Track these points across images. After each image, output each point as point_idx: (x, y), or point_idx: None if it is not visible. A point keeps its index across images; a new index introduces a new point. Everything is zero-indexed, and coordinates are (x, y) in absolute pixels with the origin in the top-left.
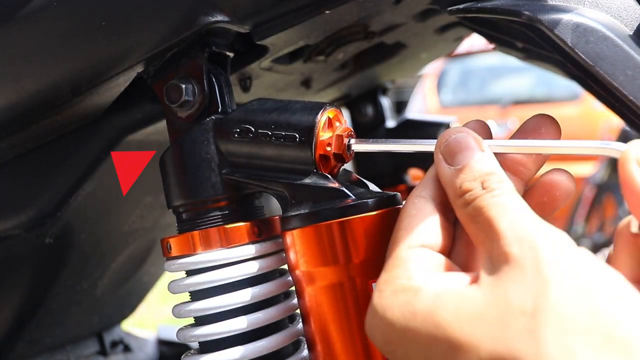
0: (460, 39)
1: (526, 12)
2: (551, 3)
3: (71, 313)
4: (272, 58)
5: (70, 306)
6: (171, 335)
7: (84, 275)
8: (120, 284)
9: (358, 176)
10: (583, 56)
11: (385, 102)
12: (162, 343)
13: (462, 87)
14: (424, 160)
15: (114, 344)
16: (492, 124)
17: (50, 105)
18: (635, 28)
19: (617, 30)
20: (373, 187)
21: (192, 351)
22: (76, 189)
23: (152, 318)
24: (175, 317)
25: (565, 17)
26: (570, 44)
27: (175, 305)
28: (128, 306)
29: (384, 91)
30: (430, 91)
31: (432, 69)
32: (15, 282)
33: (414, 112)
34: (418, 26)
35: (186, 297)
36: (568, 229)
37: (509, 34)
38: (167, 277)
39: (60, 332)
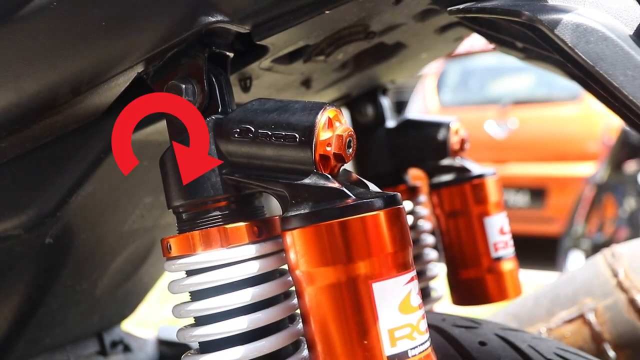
0: (460, 39)
1: (526, 12)
2: (551, 3)
3: (71, 313)
4: (272, 58)
5: (70, 306)
6: (171, 335)
7: (84, 275)
8: (120, 284)
9: (358, 176)
10: (583, 56)
11: (386, 102)
12: (162, 343)
13: (462, 87)
14: (424, 160)
15: (114, 344)
16: (492, 124)
17: (50, 106)
18: (635, 28)
19: (617, 31)
20: (373, 187)
21: (192, 351)
22: (76, 189)
23: (152, 318)
24: (175, 317)
25: (565, 17)
26: (570, 44)
27: (175, 306)
28: (128, 306)
29: (384, 91)
30: (430, 91)
31: (432, 69)
32: (16, 282)
33: (414, 112)
34: (418, 26)
35: (186, 297)
36: (568, 229)
37: (509, 34)
38: (167, 277)
39: (60, 332)
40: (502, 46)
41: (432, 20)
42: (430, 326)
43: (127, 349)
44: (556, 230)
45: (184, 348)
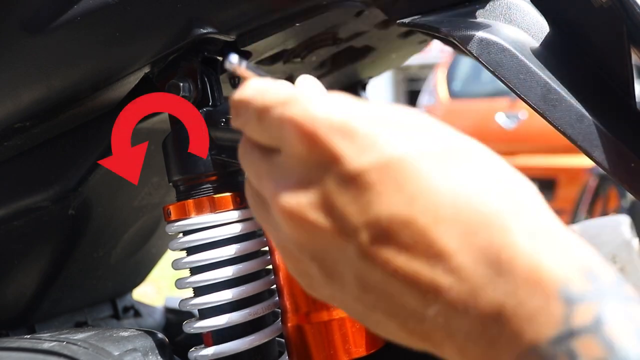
0: (425, 42)
1: (444, 29)
2: (469, 20)
3: (89, 277)
4: (255, 60)
5: (88, 271)
6: (176, 305)
7: (100, 244)
8: (131, 254)
9: None
10: (486, 64)
11: (366, 96)
12: (169, 311)
13: (472, 78)
14: None
15: (126, 310)
16: (501, 116)
17: (74, 99)
18: (542, 39)
19: (517, 43)
20: None
21: (192, 318)
22: (94, 168)
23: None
24: (178, 288)
25: (473, 33)
26: (475, 55)
27: (178, 279)
28: (138, 275)
29: (364, 86)
30: (440, 82)
31: (443, 59)
32: (43, 247)
33: (423, 102)
34: (382, 32)
35: (186, 273)
36: (572, 220)
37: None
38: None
39: (80, 294)
40: (455, 48)
41: (393, 28)
42: None
43: (137, 314)
44: (565, 222)
45: (186, 315)
